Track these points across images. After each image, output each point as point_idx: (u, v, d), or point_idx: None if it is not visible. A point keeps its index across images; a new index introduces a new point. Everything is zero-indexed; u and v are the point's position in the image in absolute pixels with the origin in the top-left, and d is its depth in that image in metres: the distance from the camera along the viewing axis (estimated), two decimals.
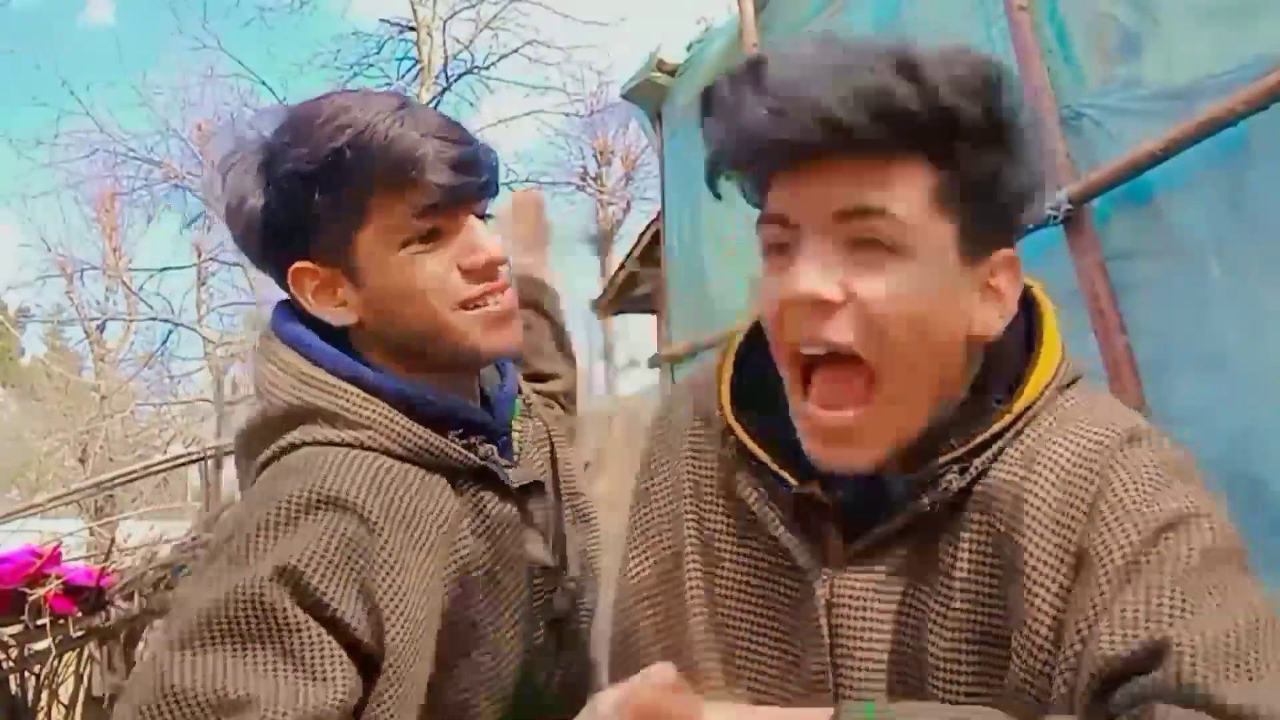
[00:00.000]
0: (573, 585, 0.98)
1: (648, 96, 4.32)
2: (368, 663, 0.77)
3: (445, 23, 14.57)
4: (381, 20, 15.14)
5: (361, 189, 0.82)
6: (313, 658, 0.73)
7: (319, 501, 0.77)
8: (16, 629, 2.49)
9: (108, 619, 2.61)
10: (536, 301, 1.21)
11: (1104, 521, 0.64)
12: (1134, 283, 1.91)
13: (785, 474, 0.75)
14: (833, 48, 0.66)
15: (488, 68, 15.05)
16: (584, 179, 15.85)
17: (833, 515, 0.74)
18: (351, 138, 0.81)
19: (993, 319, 0.71)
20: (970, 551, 0.69)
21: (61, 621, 2.52)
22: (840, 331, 0.67)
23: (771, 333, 0.72)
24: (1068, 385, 0.74)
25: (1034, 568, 0.65)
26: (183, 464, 3.75)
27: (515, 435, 0.97)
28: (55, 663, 2.63)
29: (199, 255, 14.78)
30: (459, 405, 0.90)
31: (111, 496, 8.96)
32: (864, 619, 0.72)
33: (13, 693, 2.60)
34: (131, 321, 14.96)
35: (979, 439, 0.70)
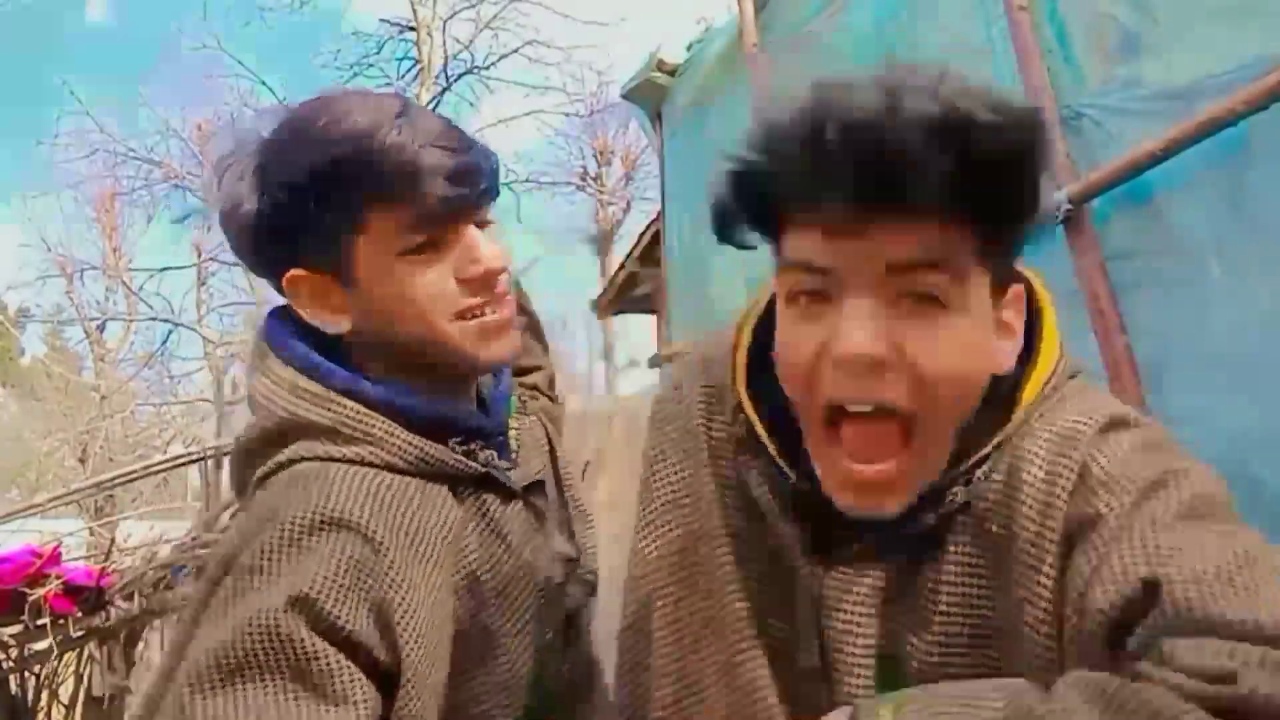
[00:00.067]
0: (590, 576, 0.99)
1: (648, 96, 4.33)
2: (386, 681, 0.77)
3: (445, 23, 14.57)
4: (381, 20, 15.16)
5: (358, 198, 0.81)
6: (334, 684, 0.73)
7: (322, 523, 0.76)
8: (16, 629, 2.49)
9: (108, 619, 2.61)
10: None
11: (1090, 495, 0.65)
12: (1134, 283, 1.91)
13: (785, 466, 0.75)
14: (889, 90, 0.62)
15: (488, 68, 15.07)
16: (584, 179, 15.86)
17: (830, 512, 0.74)
18: (349, 146, 0.80)
19: (1006, 354, 0.71)
20: (961, 553, 0.70)
21: (61, 621, 2.52)
22: (892, 391, 0.64)
23: (796, 382, 0.69)
24: (1066, 380, 0.74)
25: (1027, 553, 0.66)
26: (183, 464, 3.74)
27: (512, 434, 0.96)
28: (55, 663, 2.63)
29: (199, 255, 14.79)
30: (456, 412, 0.89)
31: (111, 496, 8.96)
32: (854, 618, 0.72)
33: (13, 693, 2.61)
34: (131, 321, 14.97)
35: (982, 452, 0.70)
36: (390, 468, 0.83)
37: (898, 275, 0.63)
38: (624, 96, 4.56)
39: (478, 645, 0.85)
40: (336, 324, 0.86)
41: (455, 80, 14.82)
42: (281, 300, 0.90)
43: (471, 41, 14.80)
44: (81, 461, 13.04)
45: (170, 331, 14.44)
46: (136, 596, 2.63)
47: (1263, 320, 1.70)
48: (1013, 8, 2.22)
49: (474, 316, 0.86)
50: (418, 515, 0.82)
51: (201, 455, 3.66)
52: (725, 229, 0.72)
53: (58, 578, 2.50)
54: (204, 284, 14.91)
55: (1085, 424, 0.68)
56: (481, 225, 0.87)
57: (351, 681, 0.73)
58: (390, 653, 0.76)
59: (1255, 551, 0.59)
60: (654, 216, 5.68)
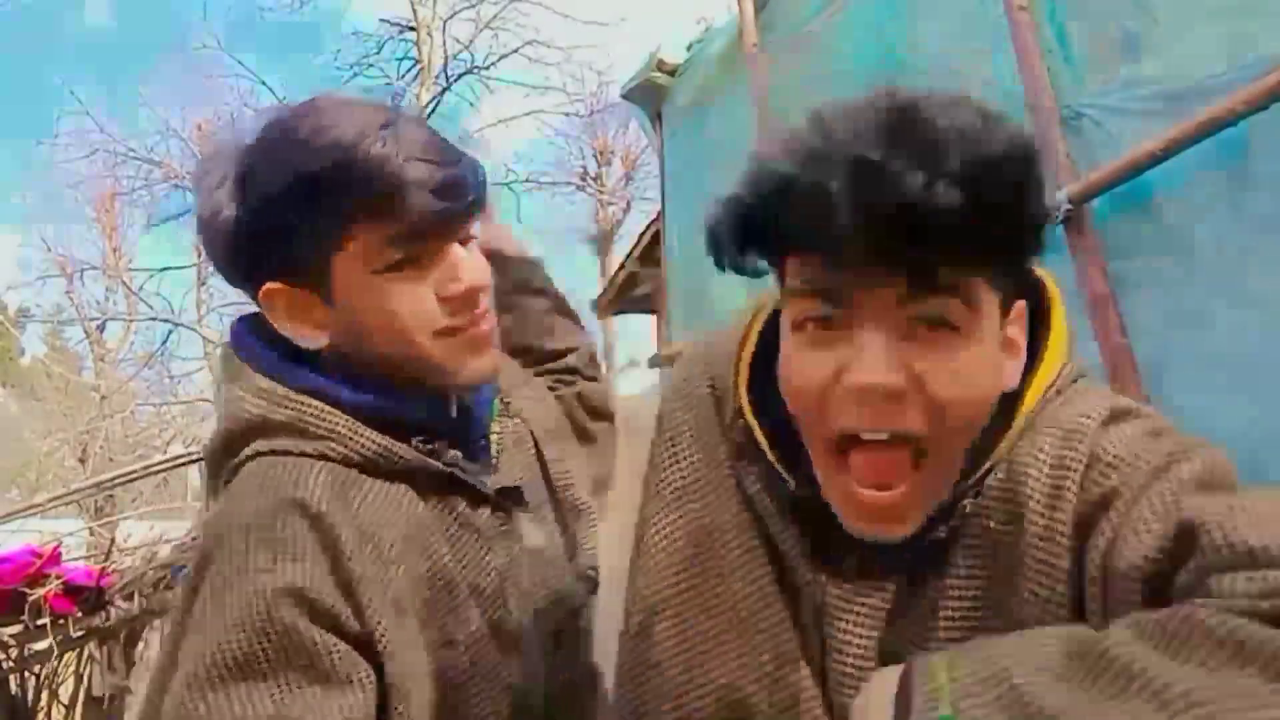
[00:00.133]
0: (591, 573, 0.99)
1: (648, 96, 4.33)
2: (377, 671, 0.77)
3: (445, 23, 14.58)
4: (381, 20, 15.17)
5: (340, 212, 0.79)
6: (336, 666, 0.74)
7: (285, 512, 0.77)
8: (16, 629, 2.49)
9: (108, 619, 2.61)
10: (526, 281, 1.18)
11: (1101, 478, 0.65)
12: (1134, 283, 1.91)
13: (785, 473, 0.74)
14: (896, 122, 0.61)
15: (488, 68, 15.07)
16: (584, 179, 15.86)
17: (830, 518, 0.73)
18: (331, 158, 0.78)
19: (1012, 371, 0.70)
20: (965, 559, 0.70)
21: (61, 621, 2.52)
22: (908, 419, 0.64)
23: (806, 409, 0.68)
24: (1070, 384, 0.73)
25: (1037, 547, 0.66)
26: (183, 464, 3.74)
27: (494, 438, 0.95)
28: (55, 663, 2.63)
29: (199, 255, 14.77)
30: (422, 413, 0.87)
31: (111, 496, 8.96)
32: (855, 632, 0.72)
33: (13, 693, 2.61)
34: (131, 321, 14.96)
35: (989, 463, 0.69)
36: (350, 463, 0.82)
37: (912, 302, 0.63)
38: (624, 96, 4.56)
39: (459, 644, 0.85)
40: (313, 339, 0.85)
41: (455, 80, 14.84)
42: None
43: (471, 41, 14.83)
44: (81, 461, 13.04)
45: (170, 331, 14.45)
46: (136, 596, 2.63)
47: (1263, 320, 1.70)
48: (1013, 8, 2.22)
49: (454, 334, 0.85)
50: (375, 510, 0.81)
51: (201, 455, 3.66)
52: (725, 256, 0.71)
53: (58, 578, 2.51)
54: (204, 284, 14.91)
55: (1089, 418, 0.68)
56: (464, 241, 0.86)
57: (352, 663, 0.75)
58: (369, 638, 0.77)
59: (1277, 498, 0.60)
60: (654, 216, 5.67)
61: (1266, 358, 1.68)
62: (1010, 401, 0.70)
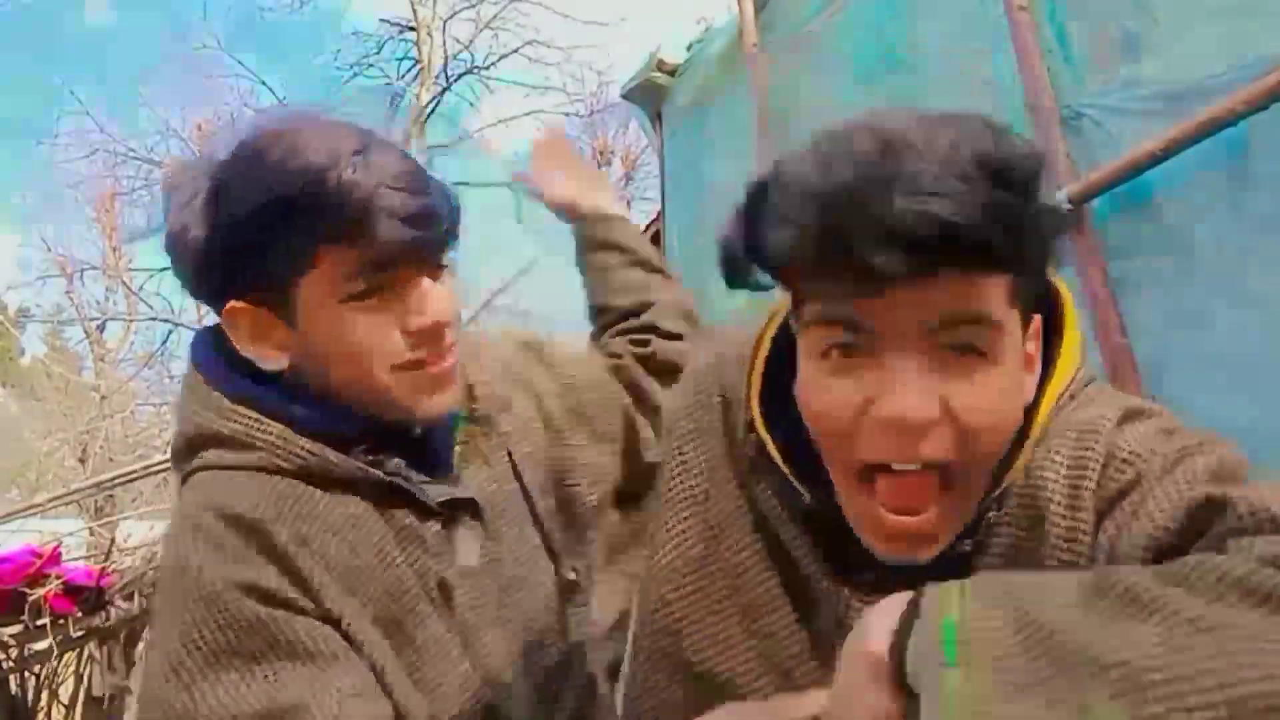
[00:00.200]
0: (573, 575, 0.98)
1: (648, 96, 4.32)
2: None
3: (445, 23, 14.57)
4: (381, 20, 15.16)
5: (308, 237, 0.78)
6: (321, 646, 0.76)
7: (228, 523, 0.79)
8: (16, 629, 2.49)
9: (108, 619, 2.61)
10: (599, 238, 1.16)
11: (1118, 472, 0.65)
12: (1134, 283, 1.91)
13: (800, 487, 0.74)
14: (916, 146, 0.60)
15: (488, 68, 15.06)
16: None
17: (846, 530, 0.72)
18: (301, 184, 0.77)
19: (1030, 384, 0.70)
20: (990, 568, 0.69)
21: (61, 621, 2.52)
22: (938, 448, 0.63)
23: (831, 439, 0.67)
24: (1083, 389, 0.73)
25: (1061, 548, 0.66)
26: None
27: (460, 448, 0.93)
28: (55, 663, 2.63)
29: None
30: (364, 423, 0.86)
31: (111, 496, 8.96)
32: None
33: (13, 693, 2.61)
34: (131, 321, 14.96)
35: (1011, 476, 0.69)
36: (287, 473, 0.82)
37: (939, 331, 0.62)
38: (624, 96, 4.56)
39: (419, 648, 0.85)
40: (273, 360, 0.84)
41: (455, 80, 14.83)
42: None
43: (471, 41, 14.82)
44: (81, 461, 13.03)
45: (170, 331, 14.42)
46: (136, 596, 2.63)
47: (1263, 320, 1.70)
48: (1013, 8, 2.22)
49: (415, 368, 0.83)
50: (316, 516, 0.81)
51: None
52: (737, 276, 0.70)
53: (58, 578, 2.51)
54: None
55: (1104, 419, 0.68)
56: (434, 274, 0.84)
57: (335, 641, 0.77)
58: (331, 619, 0.79)
59: None
60: (654, 216, 5.67)
61: (1266, 358, 1.68)
62: (1027, 411, 0.70)
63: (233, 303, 0.82)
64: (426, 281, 0.83)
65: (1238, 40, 1.78)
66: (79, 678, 2.73)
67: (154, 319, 14.49)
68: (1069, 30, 2.17)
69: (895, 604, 0.61)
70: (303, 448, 0.82)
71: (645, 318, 1.15)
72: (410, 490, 0.86)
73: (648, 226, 6.20)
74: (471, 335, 1.10)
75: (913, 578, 0.69)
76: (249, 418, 0.83)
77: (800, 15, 3.28)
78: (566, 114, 15.48)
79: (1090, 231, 1.96)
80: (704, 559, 0.80)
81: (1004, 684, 0.52)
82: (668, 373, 1.10)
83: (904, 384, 0.61)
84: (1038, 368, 0.70)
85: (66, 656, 2.67)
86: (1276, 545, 0.55)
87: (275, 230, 0.78)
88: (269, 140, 0.80)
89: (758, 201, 0.65)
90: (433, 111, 14.77)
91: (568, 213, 1.24)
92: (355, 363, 0.82)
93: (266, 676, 0.74)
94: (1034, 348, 0.70)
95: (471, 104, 15.39)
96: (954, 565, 0.69)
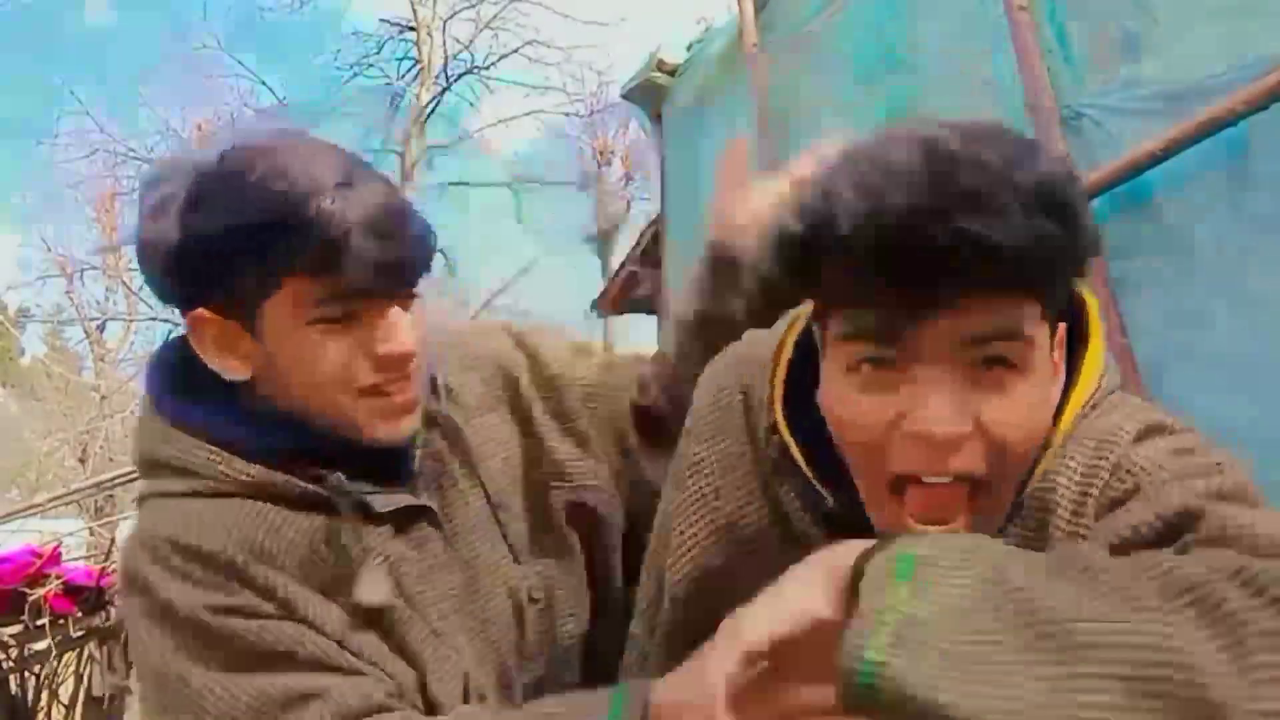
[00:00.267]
0: (534, 578, 0.96)
1: (648, 96, 4.33)
2: None
3: (445, 23, 14.59)
4: (381, 20, 15.18)
5: (280, 261, 0.78)
6: (310, 648, 0.79)
7: (184, 553, 0.80)
8: (16, 629, 2.49)
9: (108, 619, 2.61)
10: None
11: (1120, 482, 0.66)
12: (1134, 283, 1.91)
13: (824, 491, 0.74)
14: (954, 154, 0.59)
15: (488, 68, 15.08)
16: (584, 179, 15.86)
17: (869, 532, 0.72)
18: (279, 208, 0.76)
19: (1055, 393, 0.70)
20: None
21: (61, 621, 2.52)
22: (969, 461, 0.63)
23: (860, 451, 0.67)
24: (1106, 397, 0.73)
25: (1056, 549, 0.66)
26: None
27: (419, 453, 0.92)
28: (55, 663, 2.63)
29: None
30: (312, 436, 0.85)
31: (111, 496, 8.95)
32: None
33: (13, 693, 2.61)
34: (131, 321, 14.97)
35: (1033, 483, 0.69)
36: (230, 494, 0.83)
37: (974, 345, 0.62)
38: (624, 96, 4.56)
39: (396, 643, 0.86)
40: (235, 371, 0.84)
41: (455, 80, 14.85)
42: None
43: (471, 41, 14.84)
44: (81, 461, 13.05)
45: (170, 331, 14.32)
46: None
47: (1263, 320, 1.70)
48: (1013, 8, 2.22)
49: (376, 394, 0.83)
50: (269, 533, 0.82)
51: None
52: (768, 293, 0.71)
53: (58, 578, 2.51)
54: None
55: (1123, 431, 0.68)
56: (405, 303, 0.84)
57: (319, 640, 0.80)
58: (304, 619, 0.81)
59: None
60: (654, 216, 5.67)
61: (1266, 358, 1.68)
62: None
63: (200, 310, 0.82)
64: (396, 310, 0.83)
65: (1238, 40, 1.78)
66: (79, 678, 2.73)
67: (154, 319, 14.48)
68: (1069, 30, 2.17)
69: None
70: (241, 470, 0.83)
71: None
72: (362, 502, 0.86)
73: (648, 226, 6.20)
74: (463, 328, 1.09)
75: None
76: (184, 442, 0.84)
77: (800, 15, 3.28)
78: (566, 114, 15.52)
79: None
80: (718, 554, 0.80)
81: (944, 608, 0.53)
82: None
83: (937, 398, 0.61)
84: (1062, 375, 0.70)
85: (66, 656, 2.67)
86: (1239, 561, 0.55)
87: (248, 250, 0.78)
88: (252, 157, 0.79)
89: (795, 219, 0.64)
90: (433, 111, 14.79)
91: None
92: (317, 384, 0.82)
93: (266, 673, 0.76)
94: (1059, 355, 0.69)
95: (471, 104, 15.41)
96: None
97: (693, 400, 0.88)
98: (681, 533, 0.83)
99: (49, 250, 15.39)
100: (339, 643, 0.81)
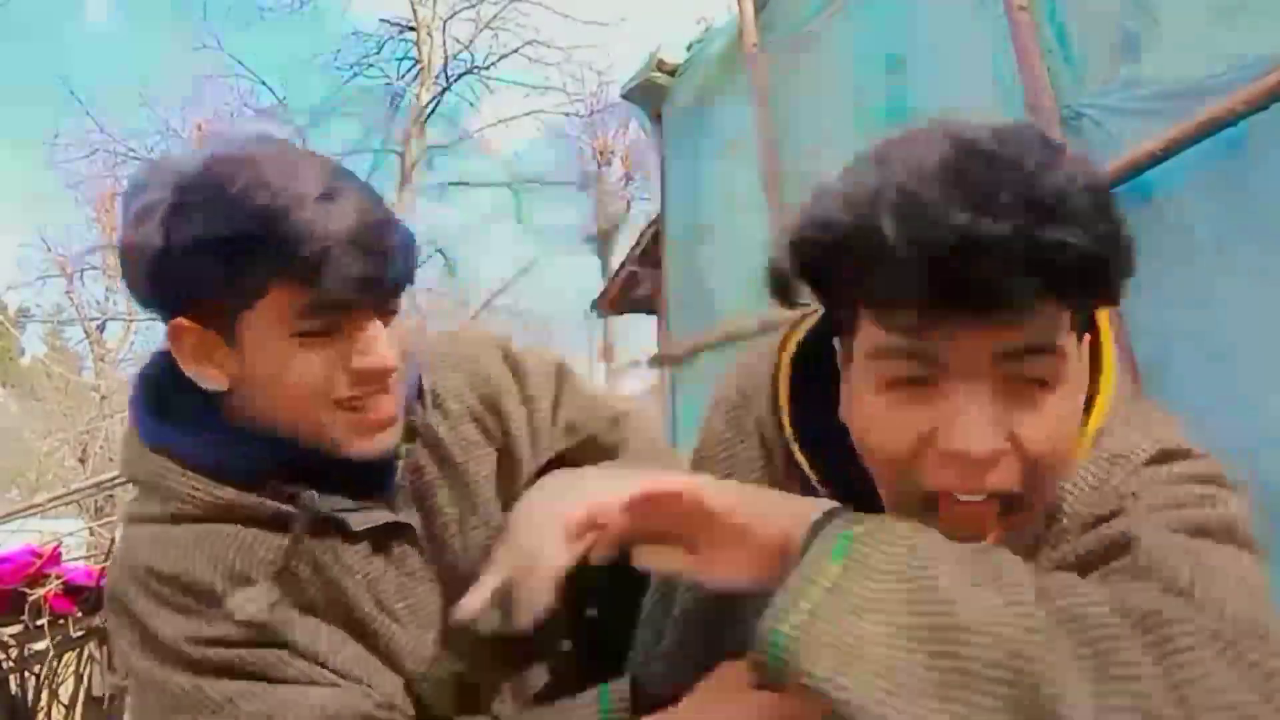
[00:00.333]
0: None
1: (648, 96, 4.33)
2: None
3: (445, 23, 14.59)
4: (381, 20, 15.20)
5: (260, 273, 0.78)
6: (292, 672, 0.81)
7: (161, 579, 0.82)
8: (16, 629, 2.49)
9: (108, 619, 2.60)
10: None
11: (1114, 505, 0.66)
12: (1134, 283, 1.90)
13: (828, 495, 0.73)
14: (986, 163, 0.58)
15: (488, 68, 15.08)
16: (584, 179, 15.87)
17: None
18: (260, 219, 0.76)
19: (1081, 400, 0.68)
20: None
21: (61, 621, 2.52)
22: (1004, 478, 0.62)
23: (891, 468, 0.66)
24: (1123, 401, 0.72)
25: (1045, 556, 0.67)
26: None
27: (401, 464, 0.92)
28: (55, 663, 2.63)
29: None
30: (288, 452, 0.85)
31: (111, 496, 8.95)
32: None
33: (13, 693, 2.60)
34: (131, 321, 14.96)
35: (1061, 493, 0.69)
36: (206, 519, 0.84)
37: (1008, 361, 0.61)
38: (624, 96, 4.57)
39: (382, 654, 0.87)
40: (214, 381, 0.84)
41: (455, 80, 14.85)
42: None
43: (471, 41, 14.84)
44: (81, 461, 13.05)
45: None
46: None
47: (1262, 320, 1.70)
48: (1013, 8, 2.22)
49: (352, 408, 0.83)
50: (243, 554, 0.83)
51: None
52: (785, 294, 0.69)
53: (58, 578, 2.50)
54: None
55: (1139, 451, 0.68)
56: (385, 318, 0.84)
57: (299, 663, 0.81)
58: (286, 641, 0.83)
59: (1252, 581, 0.60)
60: (654, 216, 5.68)
61: (1267, 358, 1.68)
62: None
63: (179, 319, 0.82)
64: (376, 324, 0.83)
65: (1238, 40, 1.79)
66: (79, 678, 2.72)
67: (154, 319, 14.46)
68: (1069, 30, 2.18)
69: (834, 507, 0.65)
70: (214, 493, 0.83)
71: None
72: (338, 520, 0.86)
73: (648, 226, 6.20)
74: (453, 335, 1.08)
75: None
76: (157, 464, 0.85)
77: (800, 15, 3.28)
78: (566, 114, 15.52)
79: None
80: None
81: (863, 599, 0.56)
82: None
83: (972, 416, 0.60)
84: (1086, 383, 0.69)
85: (66, 656, 2.67)
86: (1140, 595, 0.57)
87: (228, 261, 0.77)
88: (235, 167, 0.79)
89: (827, 232, 0.62)
90: (433, 111, 14.79)
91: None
92: (295, 397, 0.82)
93: (248, 700, 0.78)
94: (1085, 366, 0.68)
95: (471, 104, 15.50)
96: None
97: (706, 420, 0.88)
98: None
99: (49, 250, 15.42)
100: (322, 663, 0.82)
